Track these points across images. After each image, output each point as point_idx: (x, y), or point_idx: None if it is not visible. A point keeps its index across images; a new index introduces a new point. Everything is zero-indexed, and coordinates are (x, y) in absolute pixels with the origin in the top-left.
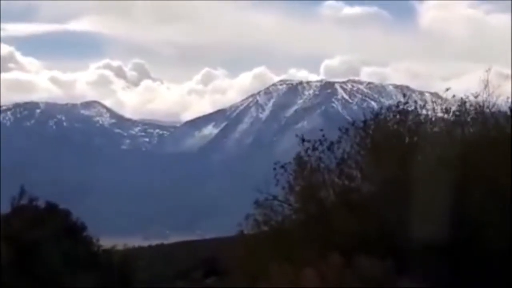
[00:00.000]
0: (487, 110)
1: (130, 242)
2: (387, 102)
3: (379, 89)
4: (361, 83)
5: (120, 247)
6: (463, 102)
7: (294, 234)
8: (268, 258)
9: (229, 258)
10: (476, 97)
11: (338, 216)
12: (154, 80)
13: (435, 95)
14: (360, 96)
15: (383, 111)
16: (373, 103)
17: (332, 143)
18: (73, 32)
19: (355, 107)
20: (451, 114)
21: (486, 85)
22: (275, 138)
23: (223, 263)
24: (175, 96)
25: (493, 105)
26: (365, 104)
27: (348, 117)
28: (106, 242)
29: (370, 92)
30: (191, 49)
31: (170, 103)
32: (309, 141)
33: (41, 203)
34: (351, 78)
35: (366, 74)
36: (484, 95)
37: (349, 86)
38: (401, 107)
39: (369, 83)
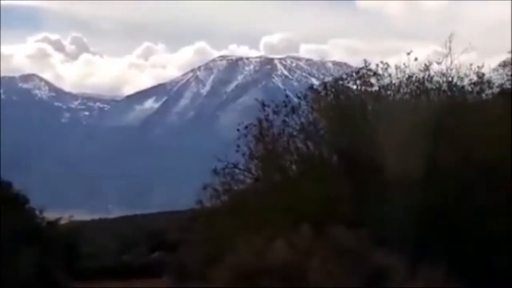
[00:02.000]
0: (451, 78)
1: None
2: (326, 78)
3: (318, 66)
4: (300, 59)
5: (65, 220)
6: (426, 68)
7: (259, 204)
8: (231, 229)
9: (177, 231)
10: (439, 64)
11: (305, 183)
12: (93, 54)
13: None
14: (299, 72)
15: (344, 76)
16: (312, 79)
17: (293, 107)
18: (10, 5)
19: (295, 83)
20: (414, 80)
21: (449, 53)
22: (216, 113)
23: (170, 237)
24: (115, 71)
25: (457, 72)
26: (304, 81)
27: (288, 93)
28: (48, 215)
29: (309, 68)
30: (131, 24)
31: (110, 77)
32: (268, 106)
33: None
34: (290, 54)
35: (305, 51)
36: (448, 63)
37: (289, 62)
38: (362, 72)
39: (308, 59)
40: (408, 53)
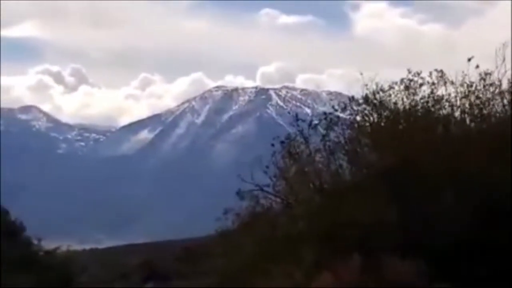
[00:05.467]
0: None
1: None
2: (320, 108)
3: (313, 96)
4: (295, 89)
5: (62, 249)
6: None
7: (293, 230)
8: (262, 258)
9: (169, 261)
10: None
11: (348, 207)
12: (92, 85)
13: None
14: (294, 102)
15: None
16: (307, 109)
17: (331, 121)
18: (12, 38)
19: (289, 113)
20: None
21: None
22: (210, 142)
23: (162, 266)
24: (112, 101)
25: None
26: (298, 111)
27: (282, 123)
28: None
29: (304, 98)
30: (129, 55)
31: (107, 108)
32: (303, 120)
33: None
34: (286, 84)
35: (302, 81)
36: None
37: (284, 92)
38: (408, 81)
39: (303, 89)
40: (469, 59)
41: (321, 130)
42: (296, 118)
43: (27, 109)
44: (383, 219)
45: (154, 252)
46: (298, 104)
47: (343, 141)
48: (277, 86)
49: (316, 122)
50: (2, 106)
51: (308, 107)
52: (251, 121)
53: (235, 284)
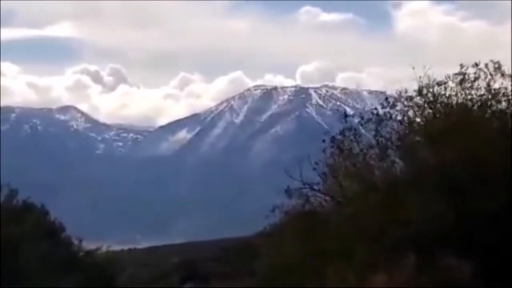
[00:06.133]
0: None
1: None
2: (361, 107)
3: (353, 95)
4: (335, 88)
5: (102, 250)
6: None
7: (344, 228)
8: (312, 257)
9: (208, 261)
10: None
11: (402, 204)
12: (131, 85)
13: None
14: (334, 101)
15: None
16: (347, 108)
17: (381, 119)
18: (51, 37)
19: (329, 112)
20: None
21: None
22: (249, 142)
23: (202, 267)
24: (151, 101)
25: None
26: (339, 110)
27: (321, 122)
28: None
29: (344, 97)
30: (168, 54)
31: (145, 108)
32: (352, 116)
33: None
34: (326, 83)
35: (342, 80)
36: None
37: (324, 91)
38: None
39: (343, 88)
40: None
41: (372, 126)
42: (345, 114)
43: (65, 109)
44: (438, 217)
45: (193, 252)
46: (338, 103)
47: (395, 137)
48: (317, 85)
49: (368, 117)
50: (40, 106)
51: (348, 106)
52: (290, 121)
53: (280, 285)
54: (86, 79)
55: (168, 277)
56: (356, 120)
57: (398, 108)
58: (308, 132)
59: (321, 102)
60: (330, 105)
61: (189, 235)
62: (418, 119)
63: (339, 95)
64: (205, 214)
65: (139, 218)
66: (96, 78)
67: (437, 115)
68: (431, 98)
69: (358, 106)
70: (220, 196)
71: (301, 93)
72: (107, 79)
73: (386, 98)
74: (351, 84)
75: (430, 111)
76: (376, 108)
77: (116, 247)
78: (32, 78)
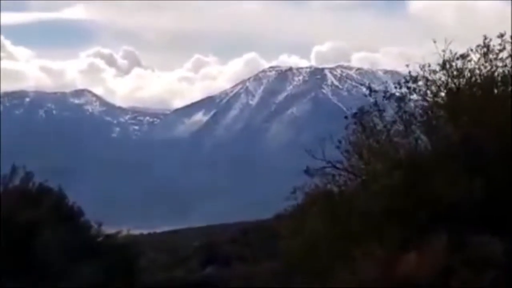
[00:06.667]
0: None
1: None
2: (377, 87)
3: (369, 75)
4: (350, 68)
5: (123, 234)
6: None
7: (370, 207)
8: (336, 238)
9: (228, 244)
10: None
11: (432, 182)
12: (145, 68)
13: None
14: (350, 82)
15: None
16: (363, 89)
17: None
18: (63, 20)
19: (345, 93)
20: None
21: None
22: (265, 124)
23: (222, 250)
24: (165, 84)
25: None
26: (354, 90)
27: (338, 103)
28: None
29: (359, 77)
30: (182, 36)
31: (160, 90)
32: (376, 91)
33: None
34: (341, 63)
35: (357, 60)
36: None
37: (339, 72)
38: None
39: (358, 68)
40: None
41: (395, 102)
42: (370, 89)
43: (79, 93)
44: (467, 194)
45: (212, 235)
46: (354, 83)
47: (418, 112)
48: (332, 65)
49: (392, 92)
50: (54, 90)
51: (365, 86)
52: (306, 102)
53: (303, 268)
54: (100, 62)
55: (188, 261)
56: (379, 96)
57: (420, 83)
58: (324, 113)
59: (336, 83)
60: (346, 85)
61: (208, 219)
62: (442, 93)
63: (354, 75)
64: (224, 197)
65: (158, 202)
66: (110, 61)
67: (461, 89)
68: (455, 73)
69: (374, 86)
70: (239, 179)
71: (316, 74)
72: (121, 62)
73: (409, 72)
74: (366, 64)
75: (454, 85)
76: (399, 82)
77: (135, 231)
78: (45, 62)
